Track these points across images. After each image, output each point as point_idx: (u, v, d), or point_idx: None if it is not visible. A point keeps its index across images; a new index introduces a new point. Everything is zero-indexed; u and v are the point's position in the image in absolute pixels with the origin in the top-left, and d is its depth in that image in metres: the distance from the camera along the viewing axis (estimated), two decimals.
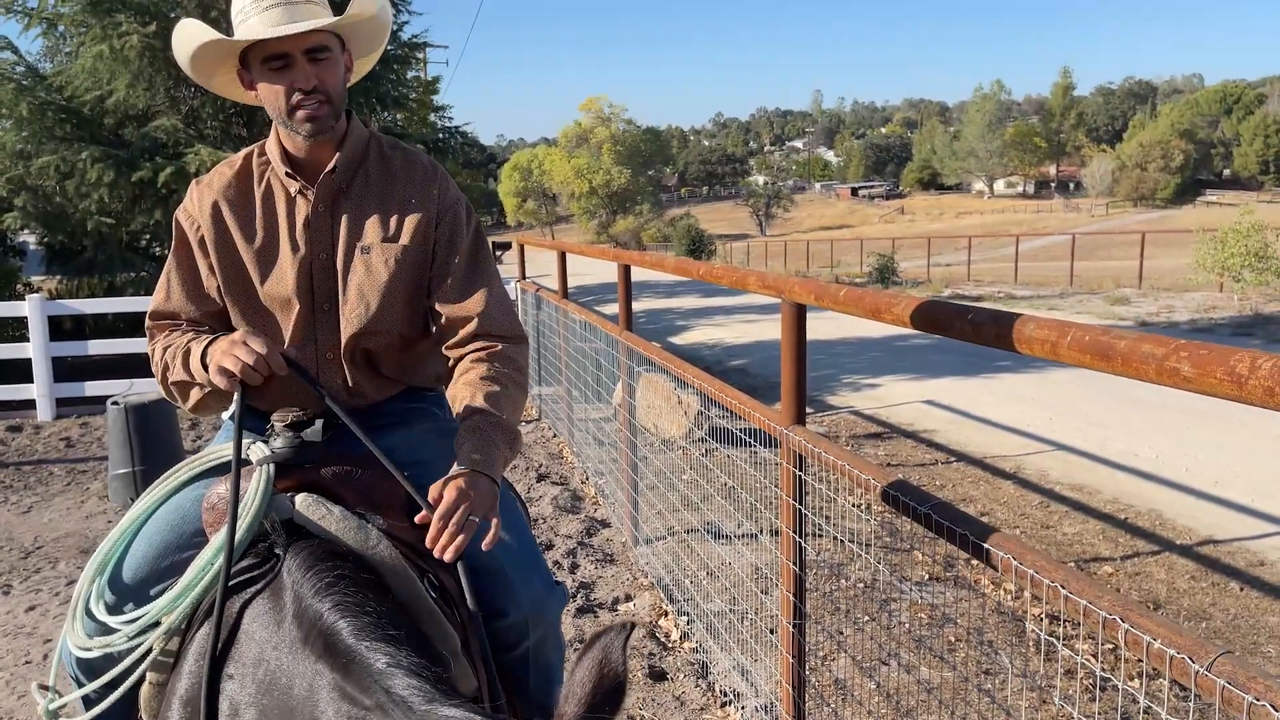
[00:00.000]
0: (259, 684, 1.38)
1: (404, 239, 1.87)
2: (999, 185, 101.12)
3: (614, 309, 5.25)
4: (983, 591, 4.56)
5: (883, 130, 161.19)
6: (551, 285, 7.34)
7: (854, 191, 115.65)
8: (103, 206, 9.89)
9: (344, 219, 1.87)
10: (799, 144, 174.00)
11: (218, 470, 1.76)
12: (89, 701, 1.67)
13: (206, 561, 1.57)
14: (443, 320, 1.90)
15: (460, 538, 1.54)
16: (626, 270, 4.80)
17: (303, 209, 1.86)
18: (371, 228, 1.87)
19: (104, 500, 6.24)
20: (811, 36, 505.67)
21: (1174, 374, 1.27)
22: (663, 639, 3.93)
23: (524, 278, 9.23)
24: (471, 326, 1.88)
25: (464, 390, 1.80)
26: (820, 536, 5.06)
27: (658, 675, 3.63)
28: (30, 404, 8.78)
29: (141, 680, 1.61)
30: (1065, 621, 4.08)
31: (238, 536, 1.54)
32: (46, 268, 12.18)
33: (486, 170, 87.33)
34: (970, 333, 1.75)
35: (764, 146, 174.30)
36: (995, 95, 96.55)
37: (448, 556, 1.54)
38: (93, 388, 8.79)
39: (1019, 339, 1.61)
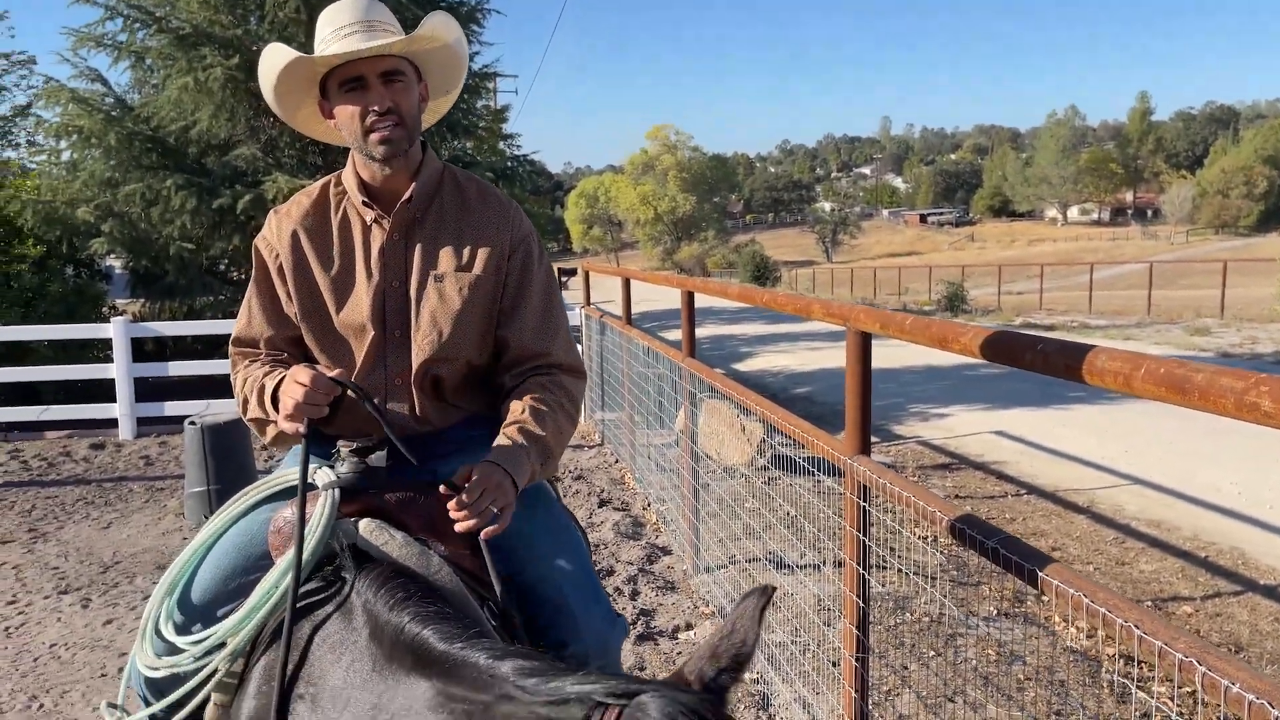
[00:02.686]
0: (333, 702, 1.39)
1: (477, 268, 1.90)
2: (1073, 212, 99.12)
3: (678, 335, 5.25)
4: (1053, 629, 4.43)
5: (952, 156, 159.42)
6: (616, 311, 7.38)
7: (922, 218, 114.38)
8: (184, 232, 10.22)
9: (418, 247, 1.91)
10: (866, 170, 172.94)
11: (284, 494, 1.79)
12: None
13: (272, 584, 1.59)
14: (511, 352, 1.94)
15: (477, 519, 1.60)
16: (690, 297, 4.80)
17: (378, 237, 1.90)
18: (445, 257, 1.90)
19: (180, 517, 6.41)
20: (880, 63, 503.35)
21: (1254, 409, 1.23)
22: None
23: (589, 303, 9.29)
24: (538, 360, 1.93)
25: (513, 405, 1.86)
26: (885, 569, 4.98)
27: None
28: (113, 423, 9.08)
29: (207, 701, 1.63)
30: (1141, 664, 3.94)
31: (303, 559, 1.57)
32: (131, 291, 12.61)
33: (553, 197, 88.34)
34: (1040, 363, 1.72)
35: (831, 173, 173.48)
36: (1070, 121, 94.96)
37: (459, 528, 1.59)
38: (172, 407, 9.05)
39: (1090, 371, 1.57)
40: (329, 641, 1.47)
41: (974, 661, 3.97)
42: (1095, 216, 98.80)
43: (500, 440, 1.77)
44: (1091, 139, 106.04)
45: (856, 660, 2.69)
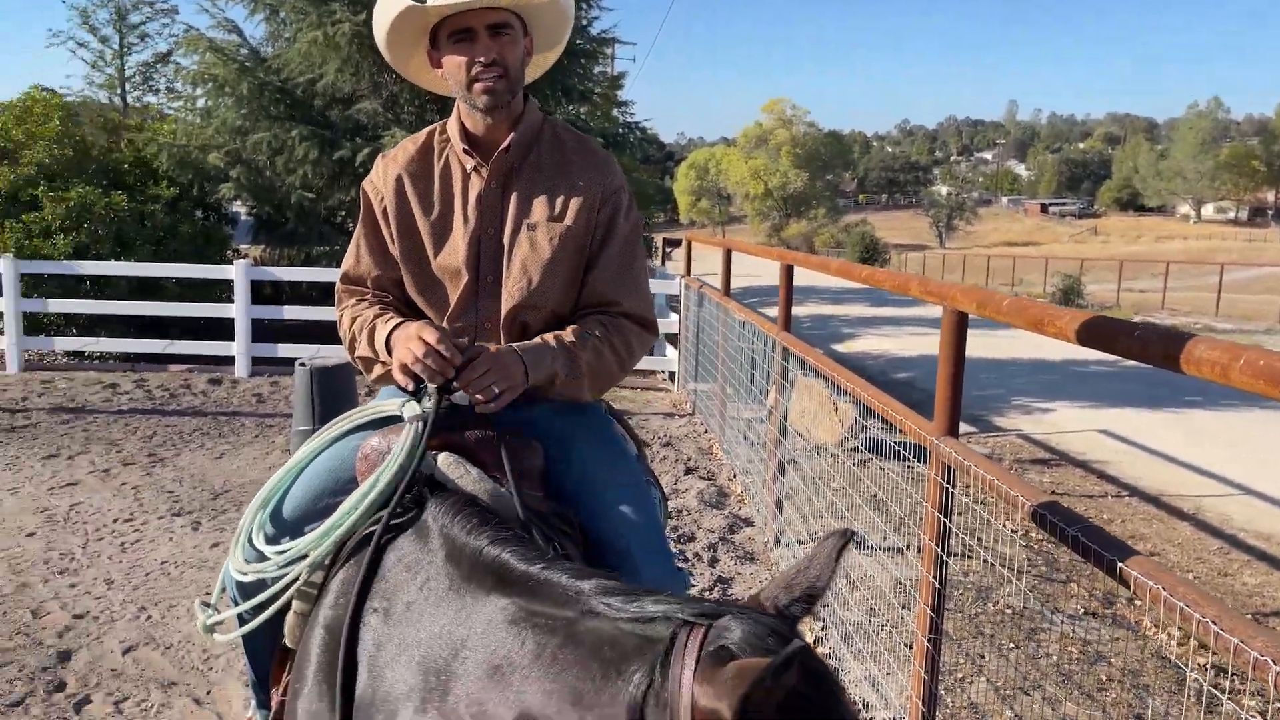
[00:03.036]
0: (406, 617, 1.47)
1: (568, 219, 1.94)
2: (1207, 210, 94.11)
3: (777, 311, 5.23)
4: (1144, 634, 4.30)
5: (1080, 145, 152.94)
6: (717, 283, 7.37)
7: (1044, 208, 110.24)
8: (305, 182, 10.60)
9: (514, 196, 1.96)
10: (988, 155, 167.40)
11: (374, 424, 1.88)
12: (241, 620, 1.84)
13: (352, 504, 1.69)
14: (584, 297, 1.99)
15: (479, 394, 1.71)
16: (789, 271, 4.77)
17: (476, 185, 1.96)
18: (539, 206, 1.95)
19: (285, 453, 6.71)
20: (1010, 44, 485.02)
21: None
22: None
23: (689, 274, 9.30)
24: (608, 306, 1.97)
25: (568, 328, 1.92)
26: (970, 558, 4.89)
27: None
28: (230, 360, 9.54)
29: (288, 607, 1.75)
30: (1233, 675, 3.80)
31: (382, 485, 1.65)
32: (253, 236, 13.15)
33: (664, 167, 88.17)
34: (1137, 350, 1.67)
35: (950, 156, 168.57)
36: (1212, 113, 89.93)
37: (466, 392, 1.71)
38: (285, 350, 9.45)
39: (1187, 360, 1.52)
40: (404, 561, 1.55)
41: (1054, 658, 3.89)
42: (1232, 215, 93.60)
43: (532, 340, 1.85)
44: (1234, 133, 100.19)
45: (929, 642, 2.67)
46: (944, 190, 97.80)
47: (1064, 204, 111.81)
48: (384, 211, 2.00)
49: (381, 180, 2.01)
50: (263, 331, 10.15)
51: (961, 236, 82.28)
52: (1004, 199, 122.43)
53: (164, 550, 4.86)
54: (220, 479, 6.11)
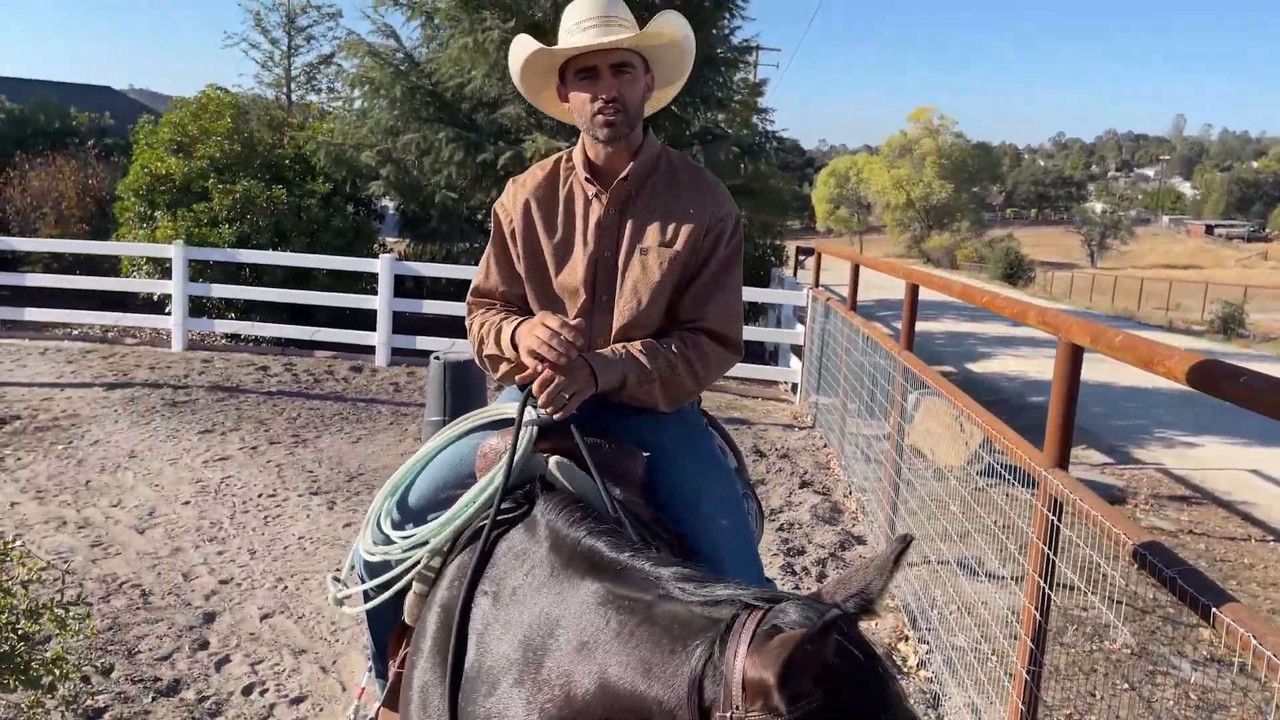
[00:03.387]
0: (512, 599, 1.62)
1: (678, 245, 2.07)
2: None
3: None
4: (1272, 686, 4.09)
5: (1253, 164, 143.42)
6: (859, 297, 7.33)
7: (1209, 229, 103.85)
8: (450, 182, 11.04)
9: (630, 222, 2.10)
10: (1149, 172, 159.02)
11: (494, 425, 2.05)
12: (367, 596, 2.02)
13: (471, 498, 1.86)
14: (676, 313, 2.11)
15: (550, 403, 1.85)
16: (914, 289, 4.74)
17: (596, 210, 2.11)
18: (652, 232, 2.09)
19: (417, 441, 7.03)
20: (1178, 57, 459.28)
21: None
22: (899, 662, 3.89)
23: (817, 285, 9.25)
24: (691, 322, 2.08)
25: (645, 343, 2.03)
26: (1092, 593, 4.75)
27: None
28: (371, 350, 10.04)
29: (408, 588, 1.92)
30: None
31: (497, 482, 1.80)
32: (399, 231, 13.77)
33: (803, 174, 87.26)
34: (1244, 396, 1.65)
35: (1108, 171, 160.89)
36: None
37: (542, 401, 1.86)
38: (422, 342, 9.89)
39: None
40: (513, 550, 1.71)
41: (1169, 702, 3.75)
42: None
43: (603, 349, 1.99)
44: None
45: (1028, 673, 2.64)
46: (1098, 207, 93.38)
47: (1233, 225, 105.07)
48: (512, 232, 2.17)
49: (511, 203, 2.18)
50: (403, 323, 10.64)
51: (1115, 256, 78.34)
52: (1164, 218, 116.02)
53: (301, 526, 5.20)
54: (356, 462, 6.47)
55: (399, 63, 11.73)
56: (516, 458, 1.83)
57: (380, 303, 9.96)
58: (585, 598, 1.49)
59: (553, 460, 1.86)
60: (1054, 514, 2.56)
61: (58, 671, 2.45)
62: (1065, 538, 2.69)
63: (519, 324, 2.02)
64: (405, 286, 11.68)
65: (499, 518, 1.77)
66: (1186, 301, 34.10)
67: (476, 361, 2.20)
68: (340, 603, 2.11)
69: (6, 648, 2.27)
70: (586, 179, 2.11)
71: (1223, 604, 1.68)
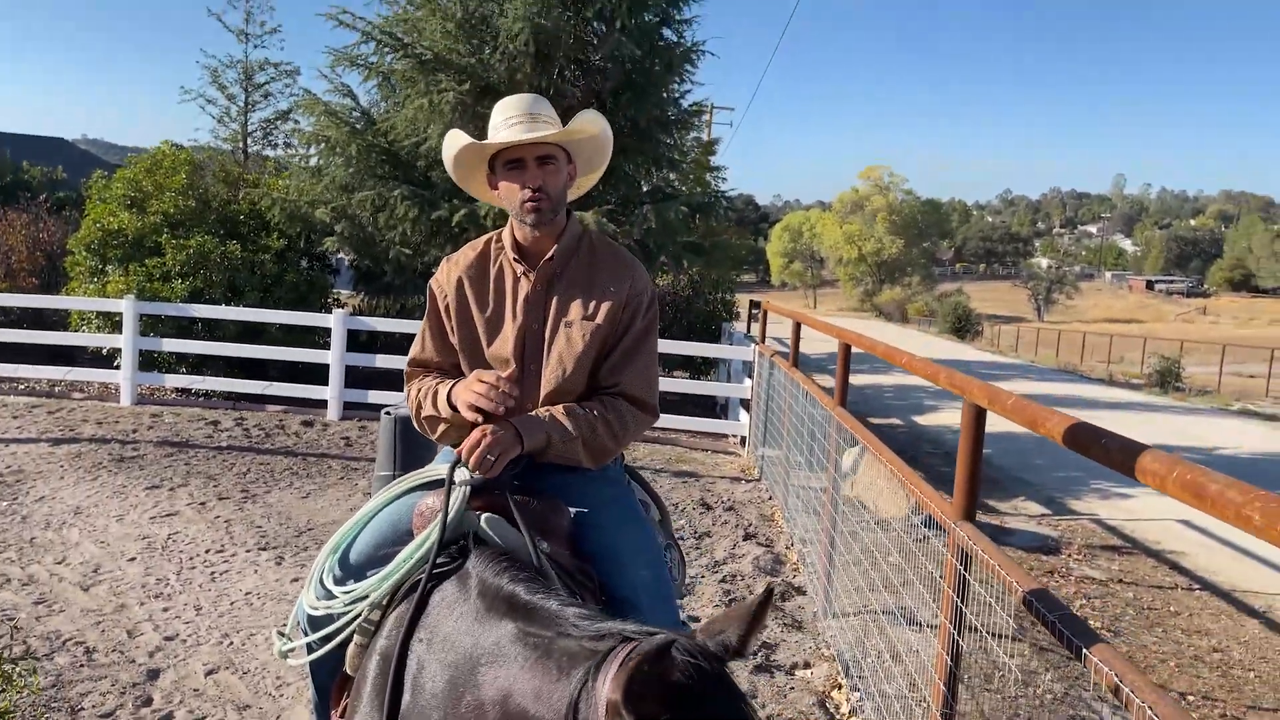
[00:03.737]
0: (445, 645, 1.76)
1: (599, 319, 2.28)
2: None
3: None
4: None
5: (1191, 222, 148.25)
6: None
7: (1149, 285, 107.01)
8: (404, 239, 11.18)
9: (555, 299, 2.30)
10: (1092, 229, 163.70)
11: (429, 486, 2.19)
12: (310, 648, 2.14)
13: (408, 554, 1.99)
14: (597, 380, 2.30)
15: (477, 462, 2.02)
16: (847, 348, 4.96)
17: (525, 287, 2.31)
18: (576, 307, 2.29)
19: (367, 495, 7.08)
20: (1118, 118, 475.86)
21: (1247, 521, 1.35)
22: (832, 710, 4.02)
23: (763, 340, 9.49)
24: (610, 388, 2.27)
25: (567, 407, 2.21)
26: (1019, 640, 4.93)
27: None
28: (323, 404, 10.08)
29: (348, 641, 2.04)
30: None
31: (432, 539, 1.95)
32: (354, 285, 13.84)
33: (758, 228, 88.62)
34: (1103, 456, 1.85)
35: (1053, 228, 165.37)
36: None
37: (471, 464, 2.03)
38: (375, 396, 9.95)
39: (1139, 469, 1.70)
40: (446, 600, 1.85)
41: None
42: None
43: (531, 413, 2.18)
44: None
45: (942, 716, 2.80)
46: (1044, 262, 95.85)
47: (1172, 281, 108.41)
48: (446, 307, 2.36)
49: (446, 280, 2.38)
50: (356, 377, 10.69)
51: (1061, 310, 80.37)
52: (1107, 274, 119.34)
53: (249, 581, 5.23)
54: (305, 517, 6.51)
55: (355, 120, 11.91)
56: (451, 515, 1.97)
57: (333, 357, 10.03)
58: (500, 635, 1.65)
59: (484, 517, 1.99)
60: (961, 564, 2.74)
61: None
62: (977, 588, 2.87)
63: (454, 384, 2.21)
64: (359, 340, 11.75)
65: (434, 571, 1.90)
66: (1129, 354, 35.04)
67: (415, 425, 2.35)
68: (285, 655, 2.21)
69: None
70: (515, 259, 2.31)
71: (1092, 645, 1.86)
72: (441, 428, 2.29)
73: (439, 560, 1.92)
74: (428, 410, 2.28)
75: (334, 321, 10.11)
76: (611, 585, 2.08)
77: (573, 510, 2.16)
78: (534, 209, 2.21)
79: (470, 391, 2.08)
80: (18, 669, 2.64)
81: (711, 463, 9.12)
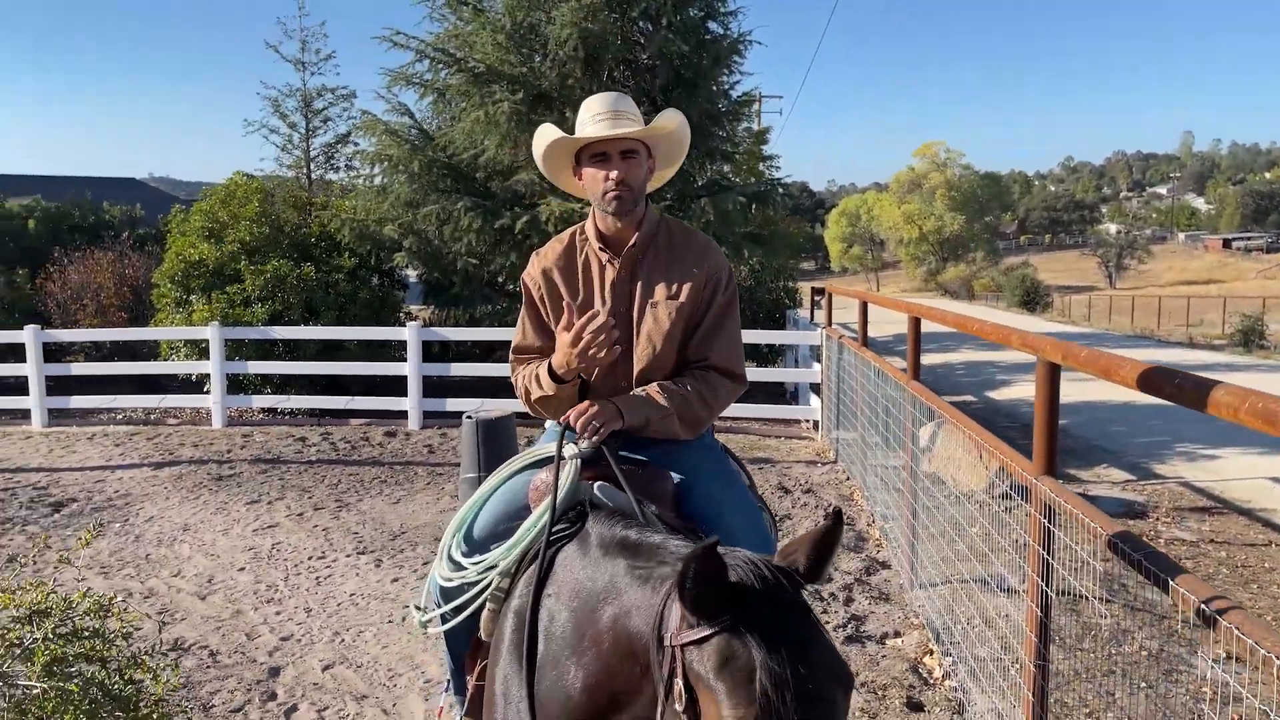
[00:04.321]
0: (570, 594, 1.94)
1: (682, 298, 2.43)
2: None
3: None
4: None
5: (1267, 175, 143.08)
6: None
7: (1226, 243, 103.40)
8: (470, 249, 11.47)
9: (640, 283, 2.47)
10: (1162, 190, 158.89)
11: (541, 463, 2.37)
12: (445, 619, 2.32)
13: (530, 524, 2.18)
14: (688, 355, 2.46)
15: (582, 421, 2.24)
16: (917, 322, 5.02)
17: (610, 274, 2.48)
18: (660, 289, 2.45)
19: (454, 499, 7.32)
20: (1180, 73, 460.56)
21: None
22: (925, 674, 4.10)
23: (830, 323, 9.53)
24: (699, 361, 2.43)
25: (661, 384, 2.38)
26: (1111, 601, 4.93)
27: (915, 706, 3.82)
28: (403, 414, 10.38)
29: (482, 608, 2.23)
30: None
31: (550, 507, 2.11)
32: (423, 299, 14.21)
33: (814, 215, 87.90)
34: (1176, 394, 1.92)
35: (1120, 192, 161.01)
36: None
37: (579, 428, 2.25)
38: (452, 404, 10.23)
39: (1212, 403, 1.77)
40: (568, 558, 2.03)
41: (1185, 697, 3.94)
42: None
43: (630, 393, 2.37)
44: None
45: (1035, 667, 2.87)
46: (1113, 228, 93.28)
47: (1250, 238, 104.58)
48: (540, 297, 2.54)
49: (535, 272, 2.56)
50: (432, 387, 10.99)
51: (1134, 276, 78.13)
52: (1181, 235, 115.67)
53: (351, 584, 5.48)
54: (398, 522, 6.76)
55: (414, 138, 12.24)
56: (565, 485, 2.15)
57: (410, 368, 10.32)
58: (614, 572, 1.86)
59: (596, 485, 2.18)
60: (1045, 518, 2.81)
61: (160, 711, 2.74)
62: (1061, 543, 2.93)
63: (550, 358, 2.40)
64: (432, 351, 12.06)
65: (556, 535, 2.08)
66: (1209, 316, 34.05)
67: (526, 408, 2.52)
68: (424, 626, 2.40)
69: (116, 690, 2.55)
70: (600, 248, 2.48)
71: (1176, 576, 1.93)
72: (554, 405, 2.46)
73: (558, 527, 2.08)
74: (536, 392, 2.46)
75: (409, 334, 10.41)
76: (706, 518, 2.28)
77: (675, 476, 2.33)
78: (616, 198, 2.37)
79: (564, 351, 2.29)
80: (161, 664, 2.86)
81: (786, 448, 9.19)
